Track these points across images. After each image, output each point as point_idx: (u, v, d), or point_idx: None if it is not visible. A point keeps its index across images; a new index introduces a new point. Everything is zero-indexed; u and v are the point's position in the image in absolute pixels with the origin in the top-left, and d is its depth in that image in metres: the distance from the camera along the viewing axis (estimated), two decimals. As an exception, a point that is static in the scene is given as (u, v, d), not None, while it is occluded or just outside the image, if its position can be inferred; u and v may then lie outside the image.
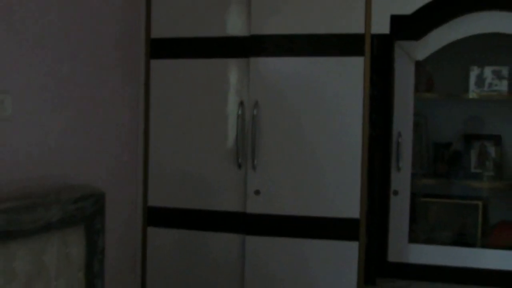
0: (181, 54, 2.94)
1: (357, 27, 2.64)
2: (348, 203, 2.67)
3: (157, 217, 2.99)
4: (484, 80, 2.85)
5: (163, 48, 2.98)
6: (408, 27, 2.79)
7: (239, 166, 2.79)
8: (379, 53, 2.75)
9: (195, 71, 2.91)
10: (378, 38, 2.70)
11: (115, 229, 2.74)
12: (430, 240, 3.00)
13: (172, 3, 2.96)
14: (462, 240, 2.98)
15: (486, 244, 2.91)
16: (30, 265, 2.01)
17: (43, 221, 2.02)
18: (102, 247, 2.43)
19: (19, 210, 1.91)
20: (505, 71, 2.81)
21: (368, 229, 2.70)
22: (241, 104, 2.80)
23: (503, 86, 2.82)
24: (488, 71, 2.84)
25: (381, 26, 2.60)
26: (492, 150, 3.02)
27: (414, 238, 2.94)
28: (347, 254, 2.66)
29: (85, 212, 2.31)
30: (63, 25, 2.43)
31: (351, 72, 2.65)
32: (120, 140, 2.90)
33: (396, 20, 2.62)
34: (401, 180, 2.85)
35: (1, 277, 1.87)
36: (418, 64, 2.88)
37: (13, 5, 2.16)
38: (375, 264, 2.82)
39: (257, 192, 2.76)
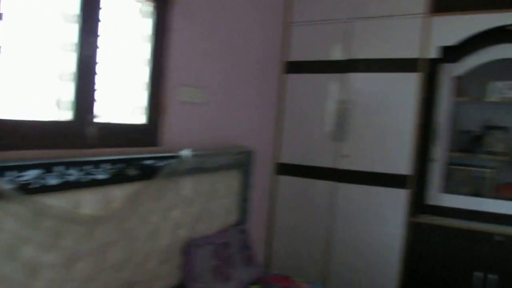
0: (303, 70, 3.03)
1: (414, 54, 2.67)
2: (402, 165, 2.73)
3: (283, 169, 3.12)
4: (499, 90, 2.75)
5: (293, 67, 3.08)
6: (449, 54, 2.71)
7: (334, 139, 2.91)
8: (429, 70, 2.71)
9: (311, 81, 3.01)
10: (429, 61, 2.68)
11: (259, 174, 2.89)
12: (456, 192, 2.87)
13: (298, 40, 3.04)
14: (478, 192, 2.87)
15: (495, 196, 2.79)
16: (209, 188, 2.20)
17: (217, 164, 2.22)
18: (250, 183, 2.61)
19: (205, 156, 2.10)
20: (513, 84, 2.67)
21: (414, 182, 2.73)
22: (339, 101, 2.89)
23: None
24: (501, 83, 2.74)
25: (432, 53, 2.65)
26: (502, 135, 2.88)
27: (444, 189, 2.84)
28: (400, 197, 2.73)
29: (241, 161, 2.50)
30: (234, 50, 2.59)
31: (409, 82, 2.69)
32: (264, 122, 3.03)
33: (443, 49, 2.66)
34: (438, 153, 2.80)
35: (194, 193, 2.07)
36: (455, 78, 2.80)
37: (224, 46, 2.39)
38: (417, 205, 2.80)
39: (344, 156, 2.87)
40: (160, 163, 1.85)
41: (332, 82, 2.95)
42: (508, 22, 2.49)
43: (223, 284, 2.05)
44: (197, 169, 2.07)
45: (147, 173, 1.79)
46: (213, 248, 2.09)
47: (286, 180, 3.12)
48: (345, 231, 2.92)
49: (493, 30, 2.56)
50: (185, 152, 1.95)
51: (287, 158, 3.12)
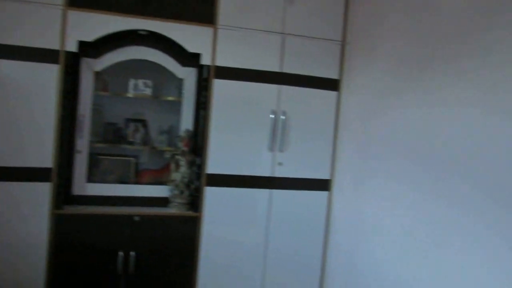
0: None
1: (55, 45, 2.67)
2: (44, 158, 2.70)
3: None
4: (138, 86, 3.07)
5: None
6: (91, 49, 2.84)
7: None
8: (71, 63, 2.76)
9: None
10: (70, 54, 2.72)
11: None
12: (103, 180, 3.10)
13: None
14: (123, 179, 3.16)
15: (137, 182, 3.17)
16: None
17: None
18: None
19: None
20: (149, 82, 3.07)
21: (58, 175, 2.74)
22: None
23: (148, 91, 3.08)
24: (140, 81, 3.06)
25: (72, 46, 2.70)
26: (141, 128, 3.24)
27: (92, 179, 3.03)
28: (43, 191, 2.70)
29: None
30: None
31: (50, 73, 2.67)
32: None
33: (83, 43, 2.75)
34: (83, 144, 2.91)
35: None
36: (98, 73, 2.94)
37: None
38: (63, 196, 2.83)
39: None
40: None
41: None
42: (139, 27, 2.84)
43: None
44: None
45: None
46: None
47: None
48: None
49: (128, 32, 2.86)
50: None
51: None
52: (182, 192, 3.02)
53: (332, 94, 3.13)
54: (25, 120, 2.69)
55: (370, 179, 2.69)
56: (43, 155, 2.71)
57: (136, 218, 2.88)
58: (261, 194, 3.05)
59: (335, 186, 3.14)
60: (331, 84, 3.12)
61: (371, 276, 2.56)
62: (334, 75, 3.12)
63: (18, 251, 2.70)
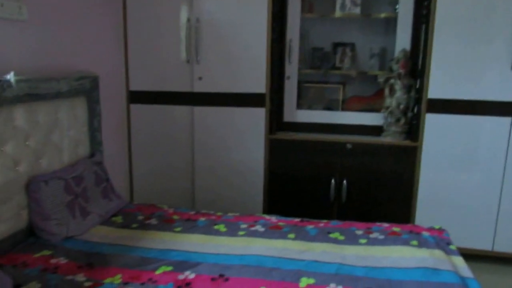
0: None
1: None
2: (258, 84, 2.81)
3: (135, 96, 2.98)
4: (346, 6, 2.93)
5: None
6: None
7: (187, 61, 2.85)
8: None
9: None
10: None
11: (110, 103, 2.76)
12: (310, 108, 3.13)
13: None
14: (330, 107, 3.15)
15: (344, 109, 3.11)
16: (49, 118, 2.01)
17: (55, 90, 2.02)
18: (99, 112, 2.45)
19: (37, 81, 1.88)
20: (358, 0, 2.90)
21: (271, 100, 2.86)
22: (188, 21, 2.80)
23: (357, 10, 2.91)
24: None
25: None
26: (349, 52, 3.10)
27: (300, 106, 3.08)
28: (259, 115, 2.85)
29: (85, 87, 2.31)
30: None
31: None
32: (109, 45, 2.82)
33: None
34: (292, 70, 2.97)
35: (30, 124, 1.88)
36: None
37: None
38: (276, 122, 2.99)
39: (199, 78, 2.86)
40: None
41: (177, 1, 2.83)
42: None
43: (80, 219, 1.96)
44: (31, 96, 1.85)
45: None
46: (64, 183, 1.95)
47: (141, 108, 3.01)
48: (207, 155, 2.97)
49: None
50: (9, 76, 1.71)
51: (139, 85, 2.98)
52: (398, 120, 2.83)
53: None
54: (239, 46, 2.81)
55: None
56: (257, 81, 2.82)
57: (349, 146, 2.83)
58: (500, 123, 2.61)
59: None
60: None
61: None
62: None
63: (240, 172, 2.96)
